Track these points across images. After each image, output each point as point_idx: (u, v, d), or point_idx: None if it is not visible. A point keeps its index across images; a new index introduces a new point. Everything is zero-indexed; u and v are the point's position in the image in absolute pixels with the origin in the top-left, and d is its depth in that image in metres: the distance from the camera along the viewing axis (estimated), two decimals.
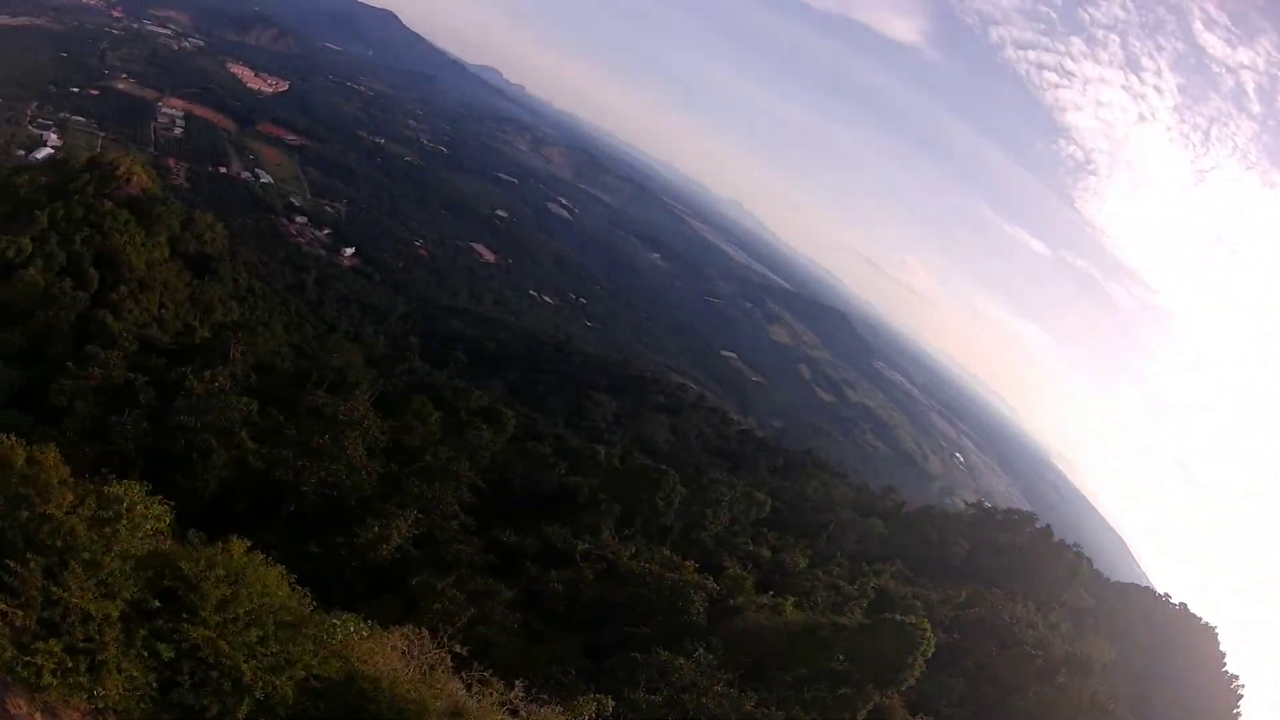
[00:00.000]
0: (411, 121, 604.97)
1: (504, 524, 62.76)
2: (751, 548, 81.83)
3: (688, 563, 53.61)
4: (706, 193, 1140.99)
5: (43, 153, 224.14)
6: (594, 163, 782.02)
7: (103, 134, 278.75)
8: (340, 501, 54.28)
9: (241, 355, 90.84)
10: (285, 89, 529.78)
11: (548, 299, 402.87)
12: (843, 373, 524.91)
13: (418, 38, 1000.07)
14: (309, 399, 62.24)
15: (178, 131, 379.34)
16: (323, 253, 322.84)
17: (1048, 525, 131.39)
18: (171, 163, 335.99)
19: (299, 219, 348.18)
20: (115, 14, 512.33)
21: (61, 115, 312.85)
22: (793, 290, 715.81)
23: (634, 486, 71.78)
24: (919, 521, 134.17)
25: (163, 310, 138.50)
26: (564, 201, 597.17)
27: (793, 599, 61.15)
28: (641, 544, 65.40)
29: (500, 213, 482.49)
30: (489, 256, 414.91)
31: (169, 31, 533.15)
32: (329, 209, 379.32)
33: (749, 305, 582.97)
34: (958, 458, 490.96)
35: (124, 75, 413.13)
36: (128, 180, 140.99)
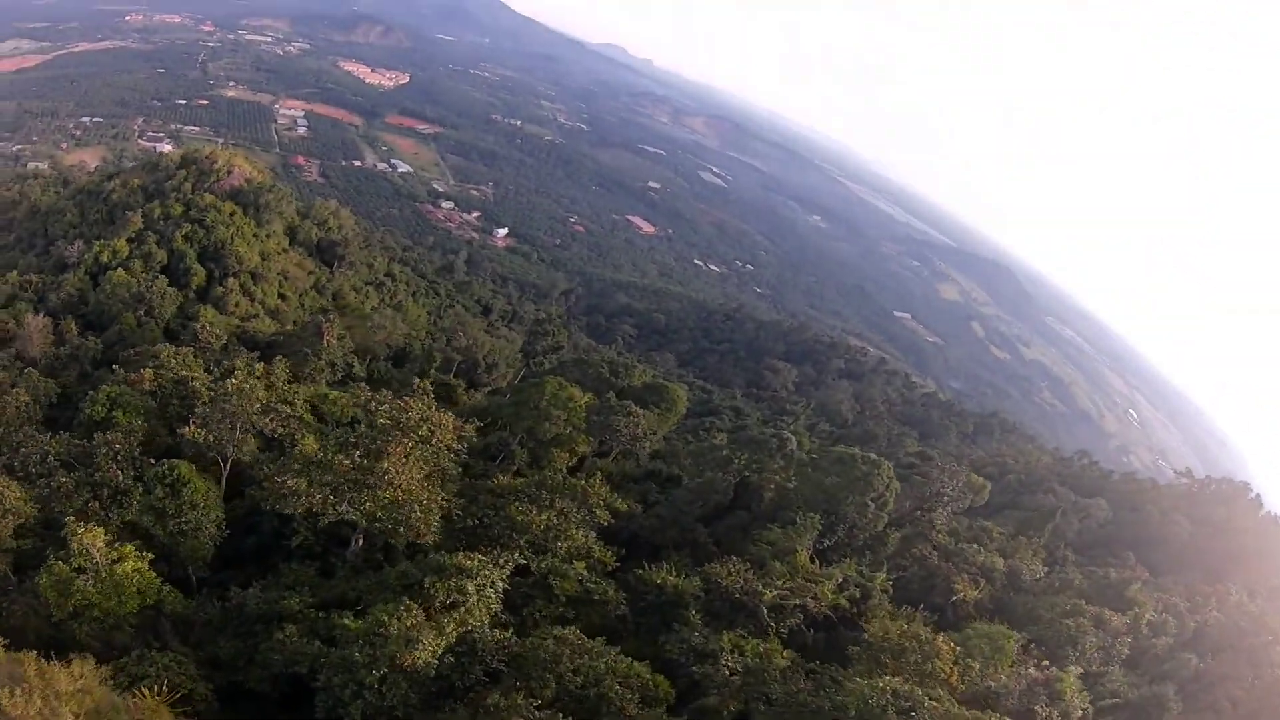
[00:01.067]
0: (544, 102, 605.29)
1: (661, 551, 45.27)
2: (982, 556, 61.15)
3: (942, 639, 34.03)
4: (852, 154, 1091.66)
5: None
6: (740, 130, 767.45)
7: (220, 141, 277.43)
8: (414, 541, 37.67)
9: (339, 340, 77.34)
10: (406, 81, 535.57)
11: (713, 267, 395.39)
12: (1015, 329, 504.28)
13: (531, 21, 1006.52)
14: (361, 398, 45.86)
15: (301, 131, 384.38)
16: (475, 235, 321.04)
17: (1257, 495, 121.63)
18: (301, 160, 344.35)
19: (445, 204, 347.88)
20: (206, 28, 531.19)
21: (173, 127, 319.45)
22: (954, 245, 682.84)
23: (836, 483, 52.35)
24: (1137, 498, 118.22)
25: (282, 301, 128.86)
26: (715, 170, 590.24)
27: (1075, 670, 43.92)
28: (851, 567, 45.99)
29: (653, 184, 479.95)
30: (648, 228, 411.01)
31: (269, 38, 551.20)
32: (475, 192, 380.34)
33: (915, 264, 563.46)
34: (1131, 414, 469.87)
35: (231, 83, 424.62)
36: (228, 172, 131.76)
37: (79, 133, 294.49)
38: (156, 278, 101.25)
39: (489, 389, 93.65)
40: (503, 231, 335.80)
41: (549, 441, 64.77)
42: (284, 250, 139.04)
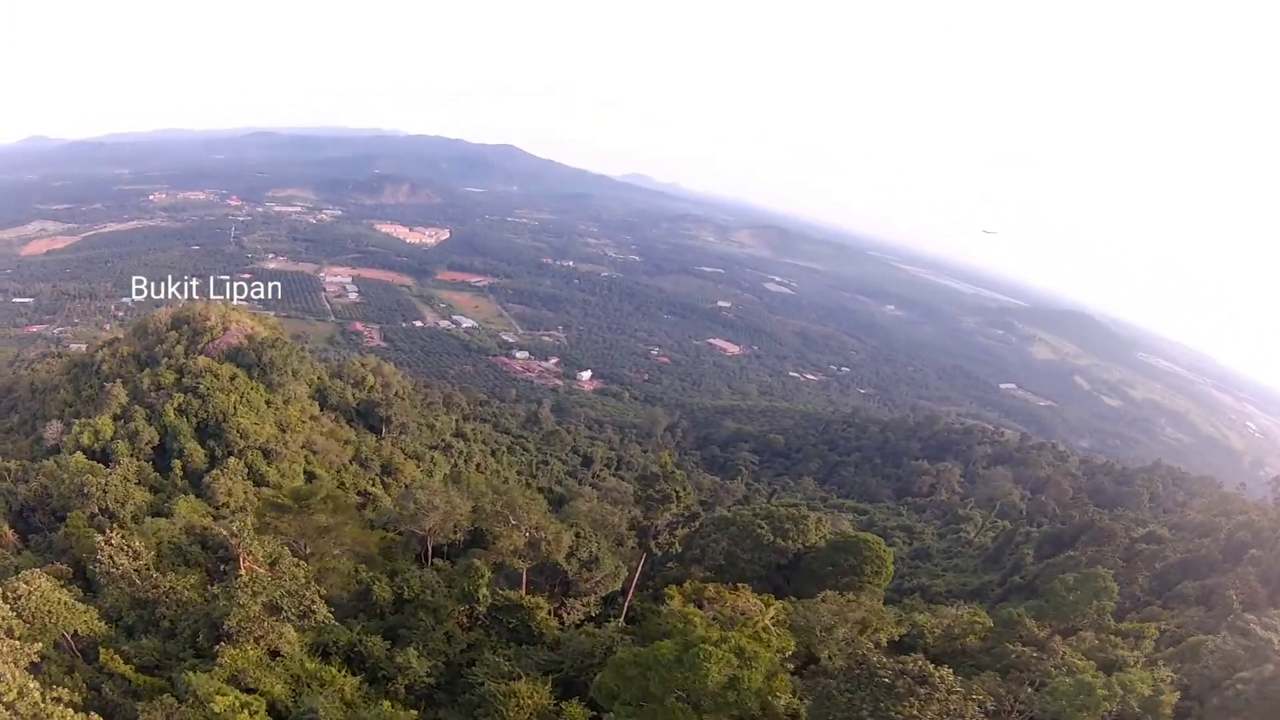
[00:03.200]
0: (589, 239, 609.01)
1: None
2: None
3: None
4: (890, 237, 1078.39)
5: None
6: (786, 235, 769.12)
7: (270, 314, 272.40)
8: None
9: (273, 568, 46.58)
10: (447, 236, 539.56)
11: (810, 376, 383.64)
12: (1115, 373, 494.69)
13: (551, 163, 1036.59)
14: None
15: (353, 297, 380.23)
16: (559, 382, 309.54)
17: None
18: (360, 326, 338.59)
19: (519, 354, 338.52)
20: (233, 202, 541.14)
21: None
22: (1028, 306, 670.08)
23: None
24: None
25: (311, 481, 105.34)
26: (778, 279, 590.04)
27: None
28: None
29: (722, 304, 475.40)
30: (732, 349, 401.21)
31: (298, 208, 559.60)
32: (547, 338, 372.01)
33: (999, 332, 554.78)
34: (1250, 426, 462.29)
35: (271, 255, 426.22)
36: (224, 329, 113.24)
37: (120, 314, 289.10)
38: (116, 465, 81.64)
39: (591, 596, 59.80)
40: (586, 374, 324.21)
41: None
42: (311, 418, 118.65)
